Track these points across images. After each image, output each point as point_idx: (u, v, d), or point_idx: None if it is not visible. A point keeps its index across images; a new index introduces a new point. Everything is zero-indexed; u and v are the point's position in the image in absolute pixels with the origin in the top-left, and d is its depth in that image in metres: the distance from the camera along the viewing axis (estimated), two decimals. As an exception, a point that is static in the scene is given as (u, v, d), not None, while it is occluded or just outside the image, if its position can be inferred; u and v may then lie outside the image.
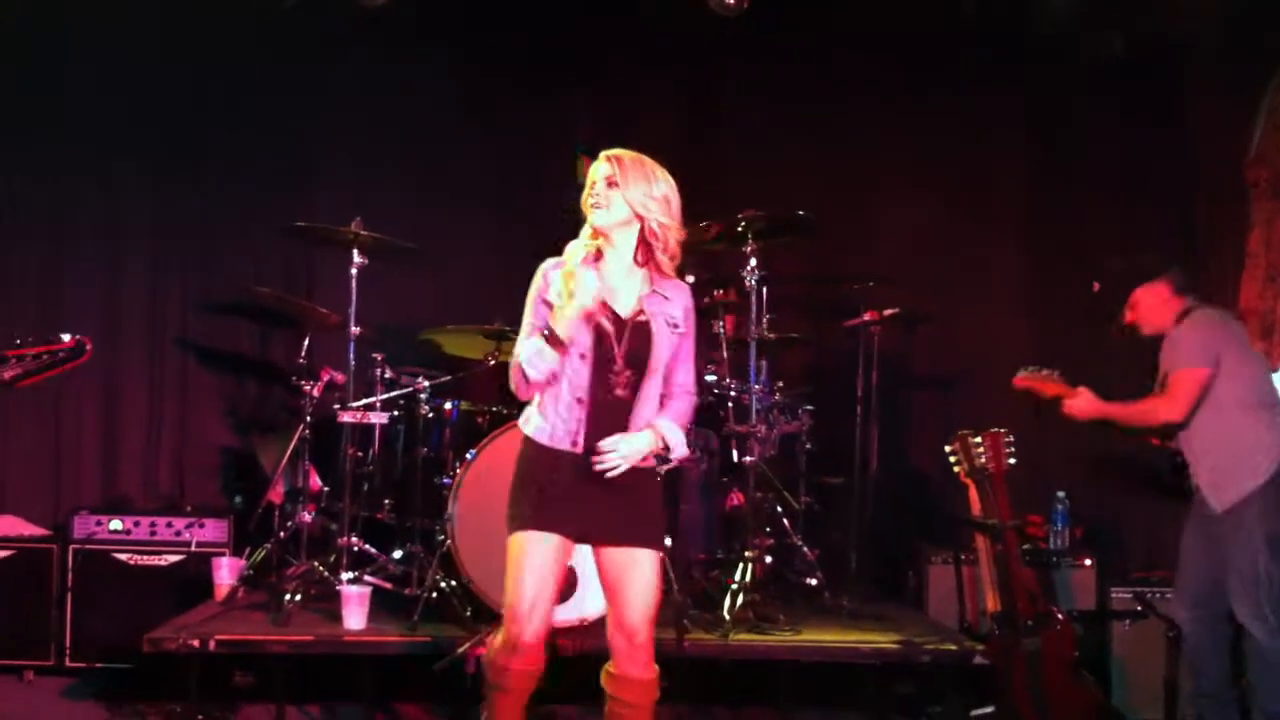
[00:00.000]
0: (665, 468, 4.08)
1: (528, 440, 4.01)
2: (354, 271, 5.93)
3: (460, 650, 4.92)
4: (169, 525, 6.24)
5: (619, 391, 3.94)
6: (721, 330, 6.28)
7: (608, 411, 3.93)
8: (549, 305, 3.92)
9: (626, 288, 3.99)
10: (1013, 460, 5.45)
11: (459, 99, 7.26)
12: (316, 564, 5.89)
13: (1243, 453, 4.95)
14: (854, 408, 6.54)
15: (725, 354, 6.26)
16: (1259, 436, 4.97)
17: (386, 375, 6.14)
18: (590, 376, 3.91)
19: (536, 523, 3.90)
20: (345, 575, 5.73)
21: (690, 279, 5.81)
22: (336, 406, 6.00)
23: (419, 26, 7.08)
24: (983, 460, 5.44)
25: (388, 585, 5.84)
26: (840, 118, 7.41)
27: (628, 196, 3.91)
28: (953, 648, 5.48)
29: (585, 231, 3.99)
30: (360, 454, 6.13)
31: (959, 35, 7.12)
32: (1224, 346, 5.03)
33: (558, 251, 3.99)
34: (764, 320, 6.09)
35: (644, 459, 3.96)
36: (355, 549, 5.89)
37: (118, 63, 6.97)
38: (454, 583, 5.55)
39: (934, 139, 7.38)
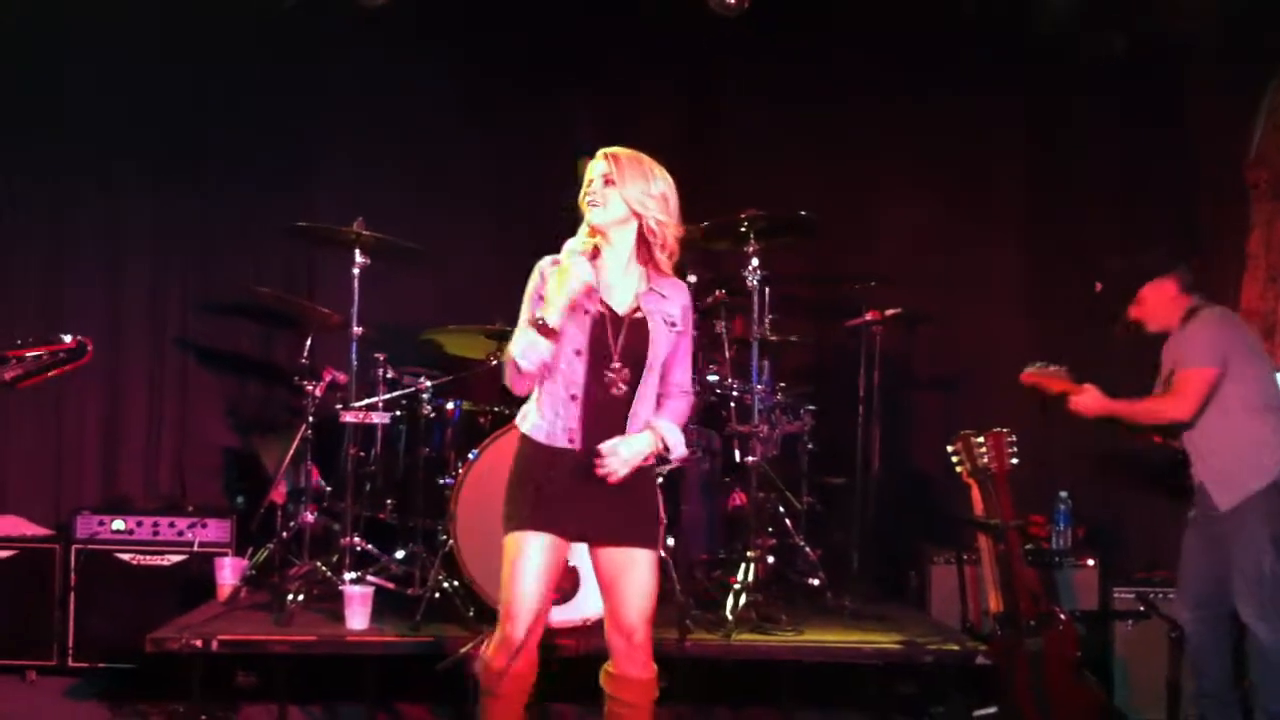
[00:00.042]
0: (664, 468, 4.07)
1: (524, 438, 3.99)
2: (356, 272, 5.93)
3: (463, 650, 4.92)
4: (171, 525, 6.24)
5: (616, 390, 3.92)
6: (724, 331, 6.28)
7: (605, 409, 3.92)
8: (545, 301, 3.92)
9: (623, 285, 3.98)
10: (1015, 460, 5.44)
11: (459, 99, 7.25)
12: (319, 564, 5.88)
13: (1248, 453, 4.96)
14: (856, 408, 6.53)
15: (728, 354, 6.26)
16: (1265, 437, 4.98)
17: (388, 375, 6.14)
18: (586, 373, 3.90)
19: (533, 523, 3.88)
20: (348, 575, 5.74)
21: (692, 278, 5.86)
22: (338, 406, 5.99)
23: (419, 26, 7.07)
24: (985, 460, 5.43)
25: (390, 585, 5.84)
26: (840, 118, 7.41)
27: (625, 194, 3.90)
28: (955, 648, 5.49)
29: (583, 230, 3.97)
30: (362, 454, 6.13)
31: (959, 35, 7.12)
32: (1232, 347, 5.03)
33: (558, 251, 3.99)
34: (766, 320, 6.08)
35: (644, 459, 3.96)
36: (358, 549, 5.90)
37: (118, 63, 6.97)
38: (456, 583, 5.56)
39: (934, 139, 7.38)
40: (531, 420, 3.97)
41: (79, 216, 7.03)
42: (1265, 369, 5.15)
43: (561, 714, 5.39)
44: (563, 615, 5.09)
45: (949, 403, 7.18)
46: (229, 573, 5.98)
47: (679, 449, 3.99)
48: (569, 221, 4.11)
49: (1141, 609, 5.77)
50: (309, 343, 6.24)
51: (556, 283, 3.84)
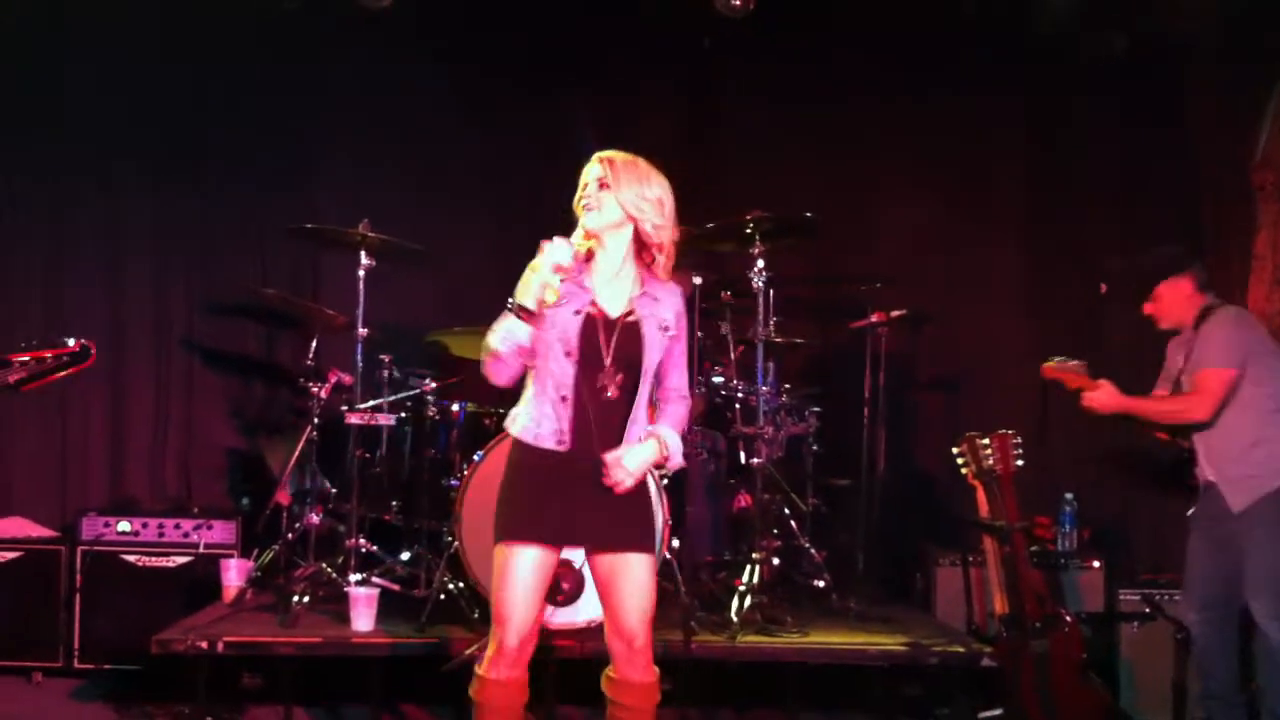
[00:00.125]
0: (664, 474, 4.07)
1: (515, 442, 3.97)
2: (361, 273, 5.93)
3: (468, 651, 4.91)
4: (177, 527, 6.24)
5: (610, 393, 3.90)
6: (728, 333, 6.28)
7: (598, 412, 3.89)
8: None
9: (616, 289, 3.95)
10: (1020, 462, 5.46)
11: (459, 99, 7.24)
12: (324, 565, 5.88)
13: (1262, 454, 4.95)
14: (861, 409, 6.53)
15: (733, 355, 6.27)
16: (1279, 438, 4.99)
17: (394, 377, 6.14)
18: (576, 375, 3.86)
19: (521, 535, 3.87)
20: (353, 577, 5.75)
21: (698, 280, 5.86)
22: (344, 408, 6.01)
23: (419, 26, 7.06)
24: (990, 462, 5.45)
25: (395, 587, 5.85)
26: (840, 118, 7.41)
27: (620, 198, 3.87)
28: (960, 650, 5.50)
29: (577, 233, 3.93)
30: (368, 455, 6.14)
31: (959, 35, 7.12)
32: (1250, 348, 5.04)
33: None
34: (770, 322, 6.08)
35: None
36: (363, 550, 5.91)
37: (118, 63, 6.95)
38: (461, 584, 5.56)
39: (934, 139, 7.39)
40: (521, 422, 3.95)
41: (79, 217, 7.01)
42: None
43: (567, 717, 5.39)
44: (566, 618, 5.08)
45: (952, 404, 7.20)
46: (234, 574, 5.98)
47: (678, 457, 3.97)
48: (570, 221, 4.10)
49: (1147, 611, 5.79)
50: (314, 344, 6.24)
51: (531, 266, 3.82)
